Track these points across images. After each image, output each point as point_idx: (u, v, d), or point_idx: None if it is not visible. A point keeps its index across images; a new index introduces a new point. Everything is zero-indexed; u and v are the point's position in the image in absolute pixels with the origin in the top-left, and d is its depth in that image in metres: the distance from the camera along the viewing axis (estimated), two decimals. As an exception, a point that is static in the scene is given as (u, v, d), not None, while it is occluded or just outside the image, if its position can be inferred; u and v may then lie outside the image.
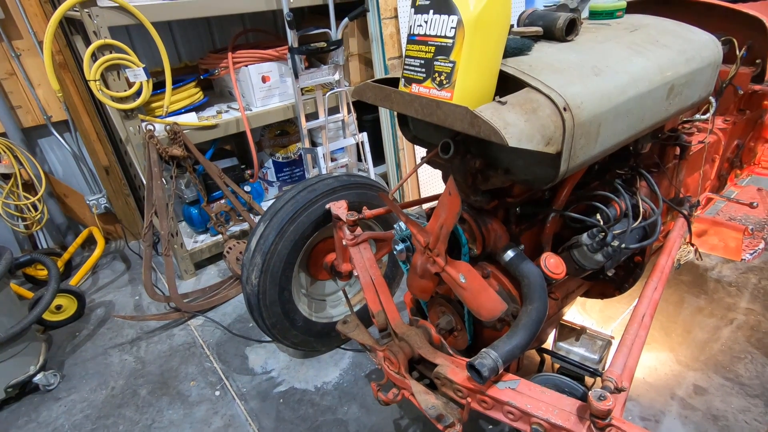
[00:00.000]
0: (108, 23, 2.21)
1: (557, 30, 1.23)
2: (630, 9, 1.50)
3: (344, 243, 1.72)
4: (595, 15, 1.48)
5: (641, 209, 1.44)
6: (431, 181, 3.41)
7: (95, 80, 2.25)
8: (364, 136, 3.06)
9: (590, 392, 1.00)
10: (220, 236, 2.95)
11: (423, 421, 1.83)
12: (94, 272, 3.06)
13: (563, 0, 1.38)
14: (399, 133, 3.16)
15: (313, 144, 3.11)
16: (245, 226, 3.05)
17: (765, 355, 2.02)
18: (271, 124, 3.19)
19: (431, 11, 1.03)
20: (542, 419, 1.09)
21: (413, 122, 1.46)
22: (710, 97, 1.60)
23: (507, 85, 1.07)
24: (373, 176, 3.13)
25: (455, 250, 1.35)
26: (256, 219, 2.79)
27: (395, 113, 1.38)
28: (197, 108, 2.85)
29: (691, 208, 1.78)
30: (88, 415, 2.00)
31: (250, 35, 3.36)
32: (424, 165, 1.37)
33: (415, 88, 1.11)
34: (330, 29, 2.72)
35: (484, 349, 1.16)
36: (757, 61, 2.03)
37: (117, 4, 2.19)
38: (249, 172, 3.10)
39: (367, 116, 3.41)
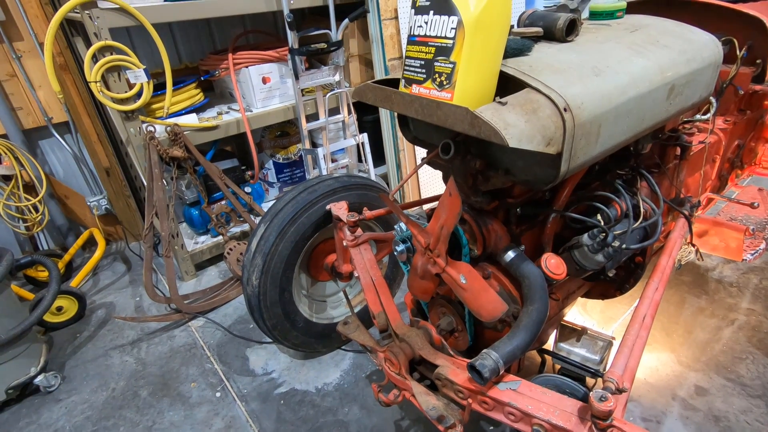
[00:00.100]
0: (109, 25, 2.21)
1: (557, 30, 1.23)
2: (630, 9, 1.50)
3: (345, 244, 1.72)
4: (595, 15, 1.48)
5: (642, 210, 1.44)
6: (432, 182, 3.41)
7: (96, 82, 2.25)
8: (364, 137, 3.06)
9: (591, 393, 1.00)
10: (220, 237, 2.95)
11: (424, 422, 1.83)
12: (94, 274, 3.06)
13: (563, 0, 1.38)
14: (399, 133, 3.16)
15: (314, 145, 3.11)
16: (246, 227, 3.05)
17: (766, 355, 2.01)
18: (272, 125, 3.19)
19: (431, 12, 1.03)
20: (543, 420, 1.08)
21: (413, 123, 1.46)
22: (711, 98, 1.60)
23: (507, 85, 1.07)
24: (373, 177, 3.13)
25: (456, 250, 1.35)
26: (257, 220, 2.79)
27: (395, 114, 1.38)
28: (198, 109, 2.85)
29: (692, 209, 1.78)
30: (88, 417, 2.00)
31: (250, 36, 3.37)
32: (425, 166, 1.37)
33: (415, 89, 1.11)
34: (330, 30, 2.73)
35: (484, 350, 1.15)
36: (758, 61, 2.03)
37: (117, 6, 2.19)
38: (249, 173, 3.10)
39: (367, 117, 3.41)
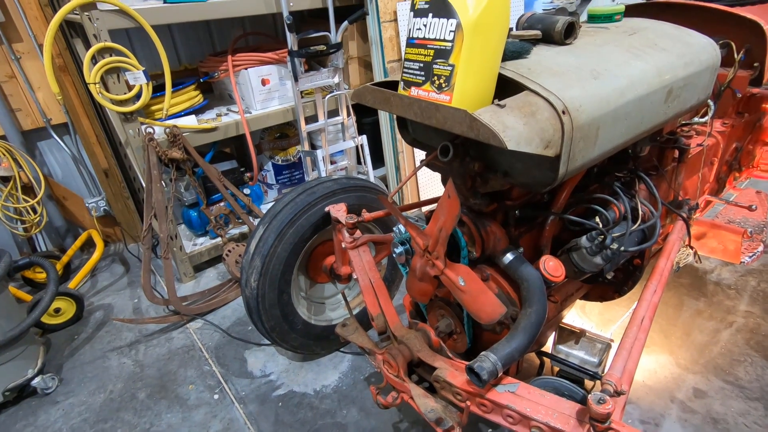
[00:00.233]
0: (108, 26, 2.22)
1: (556, 33, 1.23)
2: (628, 12, 1.50)
3: (343, 246, 1.72)
4: (593, 18, 1.49)
5: (640, 212, 1.44)
6: (430, 184, 3.41)
7: (95, 83, 2.25)
8: (363, 139, 3.07)
9: (590, 395, 1.00)
10: (219, 239, 2.95)
11: (422, 425, 1.83)
12: (93, 275, 3.06)
13: (562, 3, 1.39)
14: (398, 136, 3.17)
15: (313, 147, 3.11)
16: (244, 228, 3.05)
17: (764, 358, 2.01)
18: (271, 127, 3.19)
19: (430, 14, 1.03)
20: (542, 423, 1.08)
21: (412, 125, 1.46)
22: (709, 100, 1.61)
23: (506, 88, 1.08)
24: (372, 179, 3.13)
25: (454, 253, 1.35)
26: (256, 222, 2.79)
27: (394, 116, 1.38)
28: (197, 111, 2.85)
29: (690, 211, 1.78)
30: (86, 419, 2.00)
31: (249, 38, 3.37)
32: (424, 168, 1.37)
33: (414, 91, 1.11)
34: (329, 32, 2.73)
35: (483, 353, 1.15)
36: (755, 64, 2.04)
37: (117, 8, 2.19)
38: (248, 174, 3.10)
39: (366, 119, 3.41)
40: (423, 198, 3.35)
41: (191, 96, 2.82)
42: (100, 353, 2.37)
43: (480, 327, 1.46)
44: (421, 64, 1.07)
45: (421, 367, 1.39)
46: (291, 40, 2.59)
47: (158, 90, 2.52)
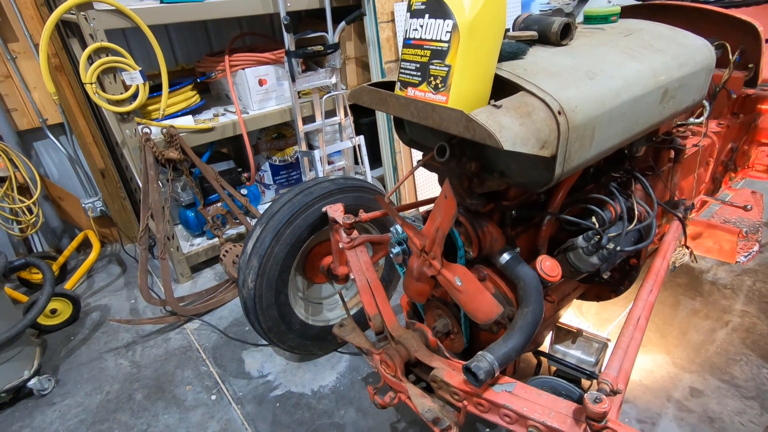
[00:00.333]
0: (104, 26, 2.21)
1: (552, 34, 1.24)
2: (624, 14, 1.51)
3: (341, 246, 1.72)
4: (589, 19, 1.49)
5: (636, 212, 1.45)
6: (427, 185, 3.41)
7: (91, 83, 2.24)
8: (360, 139, 3.07)
9: (586, 395, 1.00)
10: (216, 239, 2.94)
11: (420, 425, 1.83)
12: (89, 276, 3.05)
13: (559, 4, 1.39)
14: (395, 136, 3.17)
15: (310, 147, 3.11)
16: (242, 229, 3.04)
17: (760, 357, 2.03)
18: (268, 127, 3.19)
19: (427, 15, 1.04)
20: (538, 422, 1.09)
21: (409, 125, 1.46)
22: (704, 101, 1.61)
23: (502, 89, 1.08)
24: (369, 179, 3.13)
25: (451, 253, 1.35)
26: (253, 222, 2.78)
27: (392, 117, 1.38)
28: (194, 111, 2.84)
29: (686, 211, 1.79)
30: (82, 420, 1.99)
31: (247, 38, 3.37)
32: (421, 168, 1.37)
33: (410, 92, 1.11)
34: (327, 33, 2.73)
35: (480, 352, 1.16)
36: (750, 65, 2.05)
37: (113, 8, 2.19)
38: (246, 175, 3.09)
39: (364, 119, 3.42)
40: (420, 198, 3.35)
41: (188, 96, 2.81)
42: (97, 354, 2.36)
43: (477, 327, 1.46)
44: (418, 65, 1.08)
45: (418, 367, 1.39)
46: (288, 40, 2.59)
47: (155, 90, 2.52)
